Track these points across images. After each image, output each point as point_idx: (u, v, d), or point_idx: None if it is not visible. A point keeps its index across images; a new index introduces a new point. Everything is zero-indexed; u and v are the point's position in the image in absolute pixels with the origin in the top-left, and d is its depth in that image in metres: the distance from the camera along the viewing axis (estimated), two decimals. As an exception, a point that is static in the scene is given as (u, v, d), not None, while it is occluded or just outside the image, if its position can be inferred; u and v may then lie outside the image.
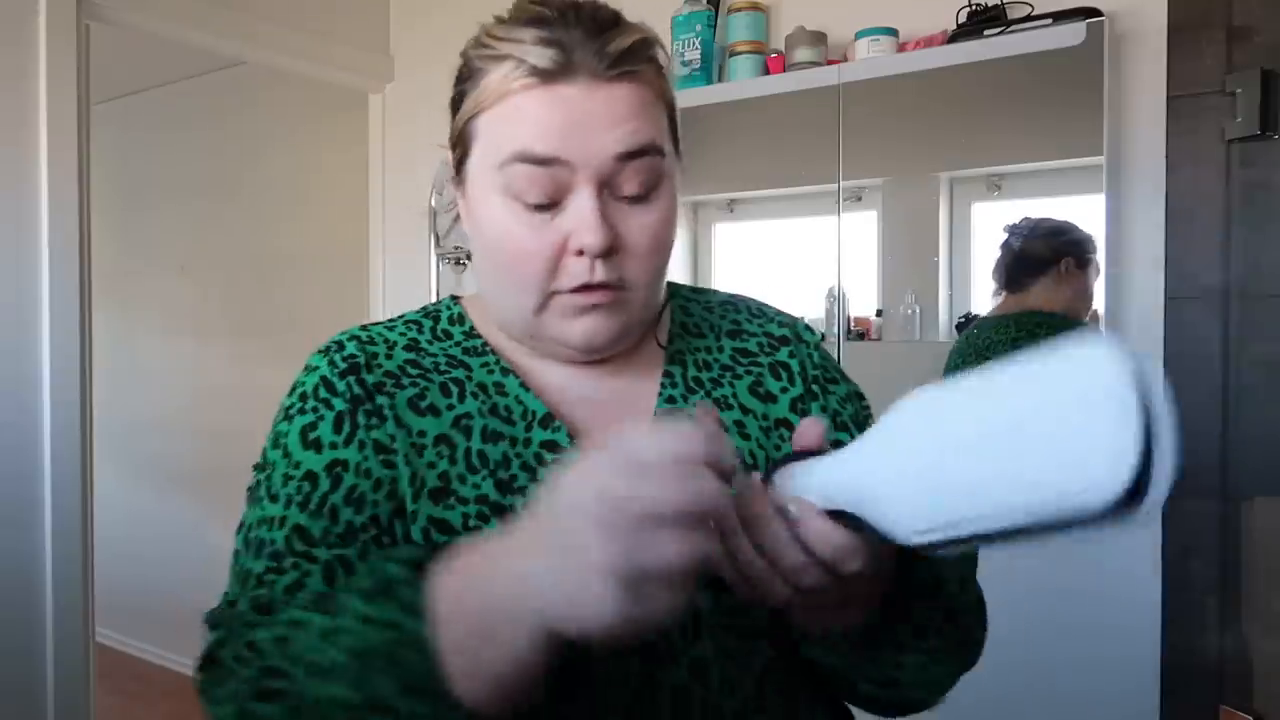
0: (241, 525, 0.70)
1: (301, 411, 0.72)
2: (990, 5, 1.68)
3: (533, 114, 0.63)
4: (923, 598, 0.63)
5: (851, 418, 0.76)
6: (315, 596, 0.57)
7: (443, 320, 0.77)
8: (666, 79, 0.69)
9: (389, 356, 0.74)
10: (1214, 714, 1.50)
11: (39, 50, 1.93)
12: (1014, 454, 0.42)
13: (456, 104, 0.71)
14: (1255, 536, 1.49)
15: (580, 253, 0.64)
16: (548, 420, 0.70)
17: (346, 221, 2.99)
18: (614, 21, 0.65)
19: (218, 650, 0.58)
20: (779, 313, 0.82)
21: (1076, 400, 0.41)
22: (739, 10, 1.95)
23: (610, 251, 0.65)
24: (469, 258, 2.37)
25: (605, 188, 0.65)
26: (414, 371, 0.72)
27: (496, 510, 0.66)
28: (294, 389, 0.76)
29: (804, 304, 1.92)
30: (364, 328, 0.78)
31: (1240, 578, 1.50)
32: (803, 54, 1.86)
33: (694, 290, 0.84)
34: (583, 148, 0.63)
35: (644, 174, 0.65)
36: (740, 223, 2.06)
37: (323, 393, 0.72)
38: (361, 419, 0.69)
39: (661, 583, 0.43)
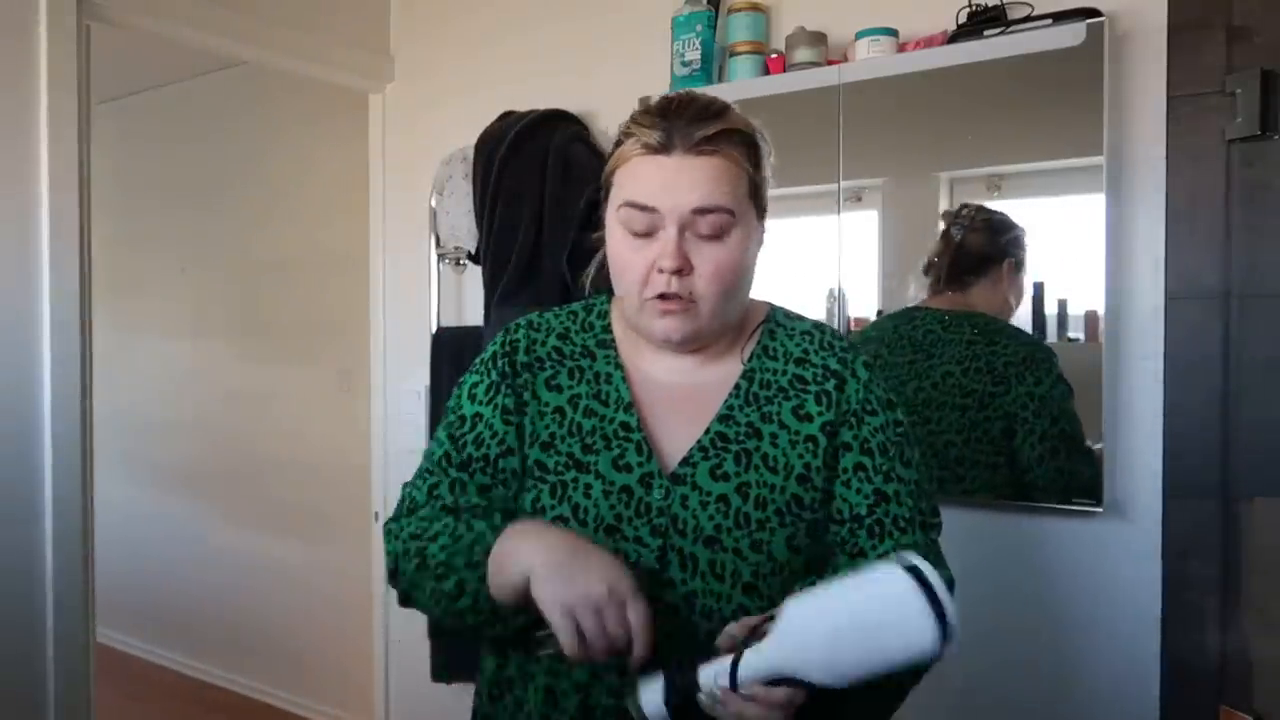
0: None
1: (474, 371, 1.04)
2: (990, 5, 1.69)
3: (640, 175, 0.92)
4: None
5: (880, 444, 0.97)
6: (441, 504, 0.98)
7: (593, 314, 1.06)
8: (756, 158, 0.95)
9: (543, 344, 1.03)
10: (1214, 714, 1.50)
11: (39, 50, 1.93)
12: (875, 636, 0.75)
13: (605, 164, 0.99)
14: (1255, 536, 1.49)
15: (661, 270, 0.91)
16: (629, 407, 0.98)
17: (347, 222, 3.00)
18: (714, 114, 0.92)
19: (390, 522, 1.01)
20: (846, 349, 1.01)
21: (898, 600, 0.73)
22: (739, 10, 1.95)
23: (682, 271, 0.91)
24: (469, 258, 2.37)
25: (686, 229, 0.91)
26: (556, 357, 1.02)
27: (576, 464, 0.96)
28: (475, 367, 1.05)
29: (804, 304, 1.92)
30: (541, 314, 1.07)
31: (1240, 578, 1.50)
32: (803, 54, 1.86)
33: (787, 315, 1.06)
34: (670, 201, 0.90)
35: (714, 224, 0.91)
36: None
37: (488, 364, 1.03)
38: (502, 390, 1.00)
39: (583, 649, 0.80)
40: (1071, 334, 1.64)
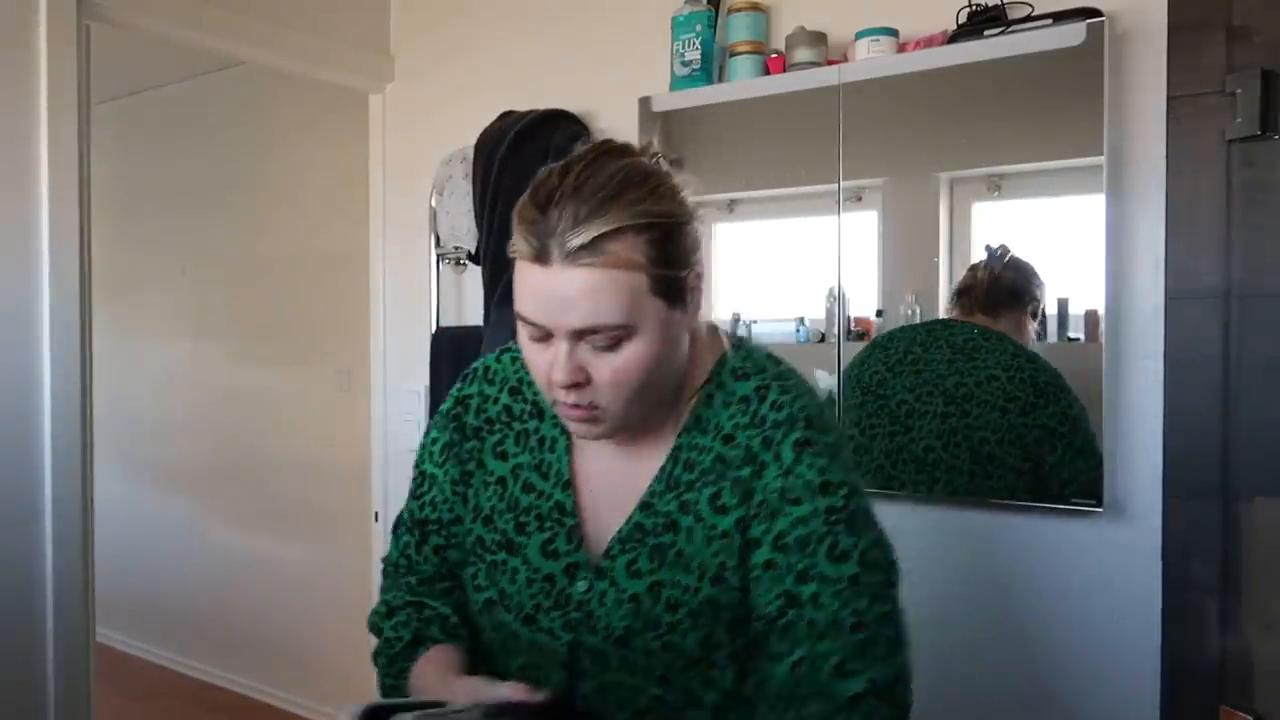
0: None
1: (436, 426, 1.02)
2: (990, 5, 1.68)
3: (525, 284, 0.82)
4: None
5: (799, 538, 0.83)
6: (407, 569, 1.02)
7: None
8: (661, 247, 0.81)
9: (495, 401, 0.98)
10: (1214, 714, 1.50)
11: (39, 51, 1.92)
12: None
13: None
14: (1255, 536, 1.49)
15: (553, 383, 0.83)
16: (567, 485, 0.93)
17: (346, 222, 3.00)
18: (594, 212, 0.78)
19: (384, 579, 1.06)
20: (780, 423, 0.87)
21: None
22: (739, 10, 1.95)
23: (579, 384, 0.82)
24: (469, 258, 2.37)
25: (579, 339, 0.81)
26: (505, 419, 0.98)
27: (508, 545, 0.93)
28: (435, 420, 1.03)
29: (804, 304, 1.92)
30: (499, 357, 1.01)
31: (1240, 578, 1.50)
32: (803, 54, 1.86)
33: (739, 367, 0.92)
34: (552, 319, 0.80)
35: (606, 339, 0.80)
36: (740, 223, 2.06)
37: (445, 419, 1.00)
38: (450, 457, 0.98)
39: None
40: (1071, 334, 1.64)
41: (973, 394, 1.69)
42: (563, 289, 0.78)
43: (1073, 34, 1.57)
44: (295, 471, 3.43)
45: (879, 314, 1.83)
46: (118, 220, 3.82)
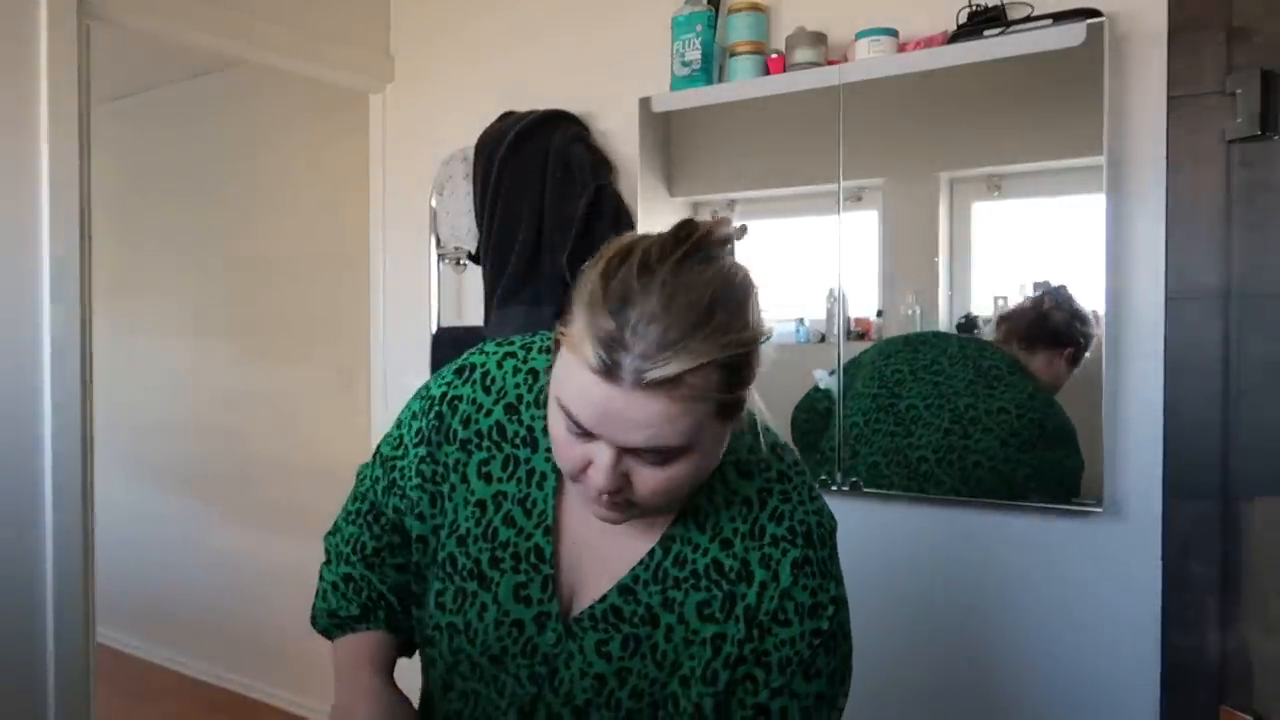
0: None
1: (419, 398, 0.96)
2: (990, 6, 1.69)
3: (582, 388, 0.73)
4: None
5: (781, 659, 0.83)
6: (366, 507, 1.02)
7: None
8: (734, 376, 0.74)
9: (488, 414, 0.91)
10: (1214, 714, 1.50)
11: (39, 51, 1.93)
12: None
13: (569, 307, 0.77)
14: (1255, 536, 1.49)
15: (592, 484, 0.77)
16: (548, 530, 0.88)
17: (346, 221, 3.00)
18: (675, 340, 0.70)
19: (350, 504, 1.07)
20: (781, 539, 0.84)
21: None
22: (739, 10, 1.95)
23: (620, 490, 0.77)
24: (469, 258, 2.37)
25: (626, 452, 0.75)
26: (496, 437, 0.91)
27: (480, 577, 0.89)
28: (421, 392, 0.96)
29: (804, 304, 1.92)
30: (500, 362, 0.93)
31: (1240, 578, 1.50)
32: (803, 54, 1.86)
33: (739, 469, 0.87)
34: (608, 431, 0.73)
35: (660, 456, 0.75)
36: (740, 222, 2.06)
37: (426, 406, 0.94)
38: (426, 443, 0.93)
39: None
40: (1071, 334, 1.64)
41: (980, 420, 1.71)
42: (629, 413, 0.72)
43: (1073, 34, 1.57)
44: (295, 471, 3.43)
45: (879, 314, 1.83)
46: (118, 220, 3.82)
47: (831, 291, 1.86)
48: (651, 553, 0.86)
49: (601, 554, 0.88)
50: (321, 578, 1.03)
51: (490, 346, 0.95)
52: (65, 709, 1.97)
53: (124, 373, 3.89)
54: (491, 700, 0.91)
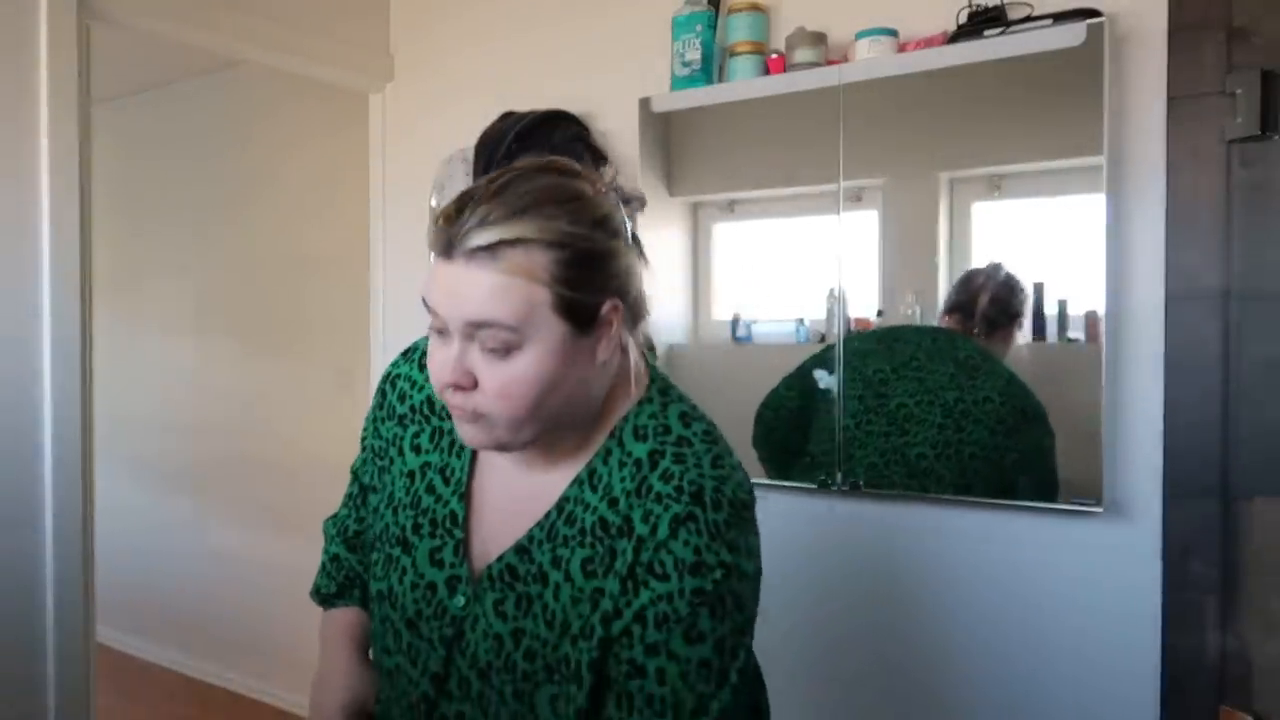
0: None
1: (384, 377, 1.05)
2: (990, 6, 1.69)
3: (431, 274, 0.83)
4: None
5: (658, 615, 0.81)
6: (343, 523, 1.14)
7: None
8: (568, 268, 0.80)
9: (420, 389, 0.99)
10: (1214, 714, 1.50)
11: (39, 51, 1.92)
12: None
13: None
14: (1255, 536, 1.49)
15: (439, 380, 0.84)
16: (463, 496, 0.93)
17: (346, 221, 2.99)
18: (500, 219, 0.79)
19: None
20: (666, 496, 0.83)
21: None
22: (739, 11, 1.95)
23: (462, 386, 0.82)
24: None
25: (472, 339, 0.81)
26: (426, 411, 0.99)
27: (404, 543, 0.94)
28: (382, 376, 1.05)
29: (804, 304, 1.92)
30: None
31: (1240, 578, 1.50)
32: (803, 54, 1.86)
33: (635, 433, 0.88)
34: (447, 310, 0.81)
35: (495, 339, 0.80)
36: (740, 223, 2.06)
37: (379, 385, 1.04)
38: (374, 425, 1.03)
39: None
40: (1071, 334, 1.64)
41: (969, 411, 1.73)
42: (460, 286, 0.80)
43: (1073, 34, 1.57)
44: (295, 471, 3.43)
45: (879, 314, 1.83)
46: (118, 220, 3.82)
47: (831, 291, 1.86)
48: (548, 514, 0.88)
49: (508, 518, 0.90)
50: (323, 554, 1.13)
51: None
52: (65, 709, 1.97)
53: (124, 372, 3.89)
54: (408, 674, 0.93)
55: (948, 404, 1.74)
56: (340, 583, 1.09)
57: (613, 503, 0.86)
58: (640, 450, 0.87)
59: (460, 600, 0.90)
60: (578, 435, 0.89)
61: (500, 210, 0.79)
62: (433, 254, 0.83)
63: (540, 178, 0.82)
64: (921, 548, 1.79)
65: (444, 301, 0.81)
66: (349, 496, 1.13)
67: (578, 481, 0.88)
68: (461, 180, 2.35)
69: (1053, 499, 1.64)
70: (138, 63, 3.53)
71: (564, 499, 0.88)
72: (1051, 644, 1.67)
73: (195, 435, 3.83)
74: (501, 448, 0.86)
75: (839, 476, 1.82)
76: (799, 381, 1.90)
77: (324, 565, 1.11)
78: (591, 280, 0.82)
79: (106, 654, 3.26)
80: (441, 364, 0.83)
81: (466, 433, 0.85)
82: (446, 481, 0.94)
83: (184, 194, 3.88)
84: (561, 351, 0.81)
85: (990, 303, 1.73)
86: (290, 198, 3.51)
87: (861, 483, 1.81)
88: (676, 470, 0.85)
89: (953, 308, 1.76)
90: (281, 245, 3.54)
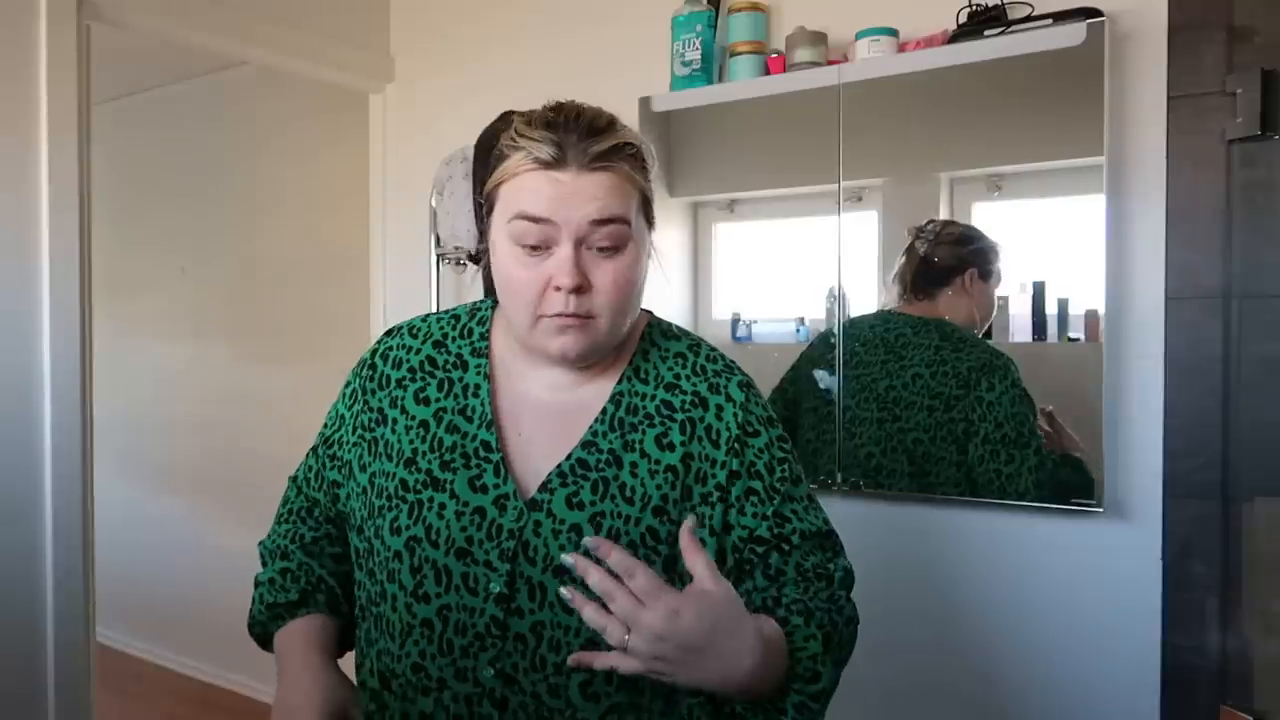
0: None
1: (345, 388, 1.10)
2: (990, 5, 1.69)
3: (535, 189, 0.88)
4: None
5: (767, 463, 0.96)
6: (294, 519, 1.15)
7: (475, 319, 1.03)
8: (644, 171, 0.93)
9: (417, 352, 1.02)
10: (1214, 714, 1.50)
11: (39, 50, 1.92)
12: None
13: (488, 177, 0.95)
14: (1255, 536, 1.49)
15: (558, 288, 0.88)
16: (490, 425, 0.96)
17: (346, 221, 2.99)
18: (603, 129, 0.90)
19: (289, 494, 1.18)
20: (720, 372, 1.00)
21: None
22: (739, 10, 1.95)
23: (580, 290, 0.88)
24: (469, 258, 2.36)
25: (582, 244, 0.88)
26: (428, 367, 1.01)
27: (434, 483, 0.94)
28: (360, 362, 1.09)
29: (804, 304, 1.92)
30: (425, 318, 1.06)
31: (1240, 578, 1.50)
32: (803, 54, 1.86)
33: (664, 333, 1.03)
34: (566, 213, 0.87)
35: (611, 236, 0.89)
36: (740, 223, 2.06)
37: (358, 368, 1.08)
38: (360, 402, 1.05)
39: None
40: (1071, 334, 1.64)
41: (901, 396, 1.71)
42: (582, 191, 0.87)
43: (1073, 34, 1.57)
44: (294, 471, 3.43)
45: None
46: (118, 220, 3.82)
47: (831, 291, 1.86)
48: (604, 410, 0.96)
49: (554, 434, 0.96)
50: (256, 585, 1.05)
51: (415, 318, 1.09)
52: (65, 709, 1.97)
53: (124, 373, 3.89)
54: (464, 605, 0.91)
55: (880, 394, 1.73)
56: (302, 590, 1.03)
57: (670, 387, 0.97)
58: (678, 345, 1.01)
59: (513, 514, 0.91)
60: (613, 352, 0.98)
61: (598, 122, 0.91)
62: (524, 174, 0.89)
63: (587, 105, 0.95)
64: (920, 547, 1.79)
65: (563, 208, 0.87)
66: (289, 514, 1.13)
67: (625, 378, 0.98)
68: (461, 180, 2.34)
69: (1035, 463, 1.59)
70: (138, 63, 3.53)
71: (617, 394, 0.97)
72: (1052, 643, 1.67)
73: (195, 435, 3.83)
74: (593, 353, 0.93)
75: (839, 475, 1.82)
76: (794, 382, 1.90)
77: (270, 581, 1.04)
78: (649, 182, 0.94)
79: (106, 654, 3.26)
80: (548, 279, 0.88)
81: (566, 343, 0.90)
82: (469, 419, 0.97)
83: (184, 194, 3.88)
84: (644, 251, 0.94)
85: (919, 266, 1.69)
86: (290, 198, 3.51)
87: (861, 482, 1.81)
88: (716, 354, 1.02)
89: (892, 280, 1.74)
90: (282, 245, 3.54)
